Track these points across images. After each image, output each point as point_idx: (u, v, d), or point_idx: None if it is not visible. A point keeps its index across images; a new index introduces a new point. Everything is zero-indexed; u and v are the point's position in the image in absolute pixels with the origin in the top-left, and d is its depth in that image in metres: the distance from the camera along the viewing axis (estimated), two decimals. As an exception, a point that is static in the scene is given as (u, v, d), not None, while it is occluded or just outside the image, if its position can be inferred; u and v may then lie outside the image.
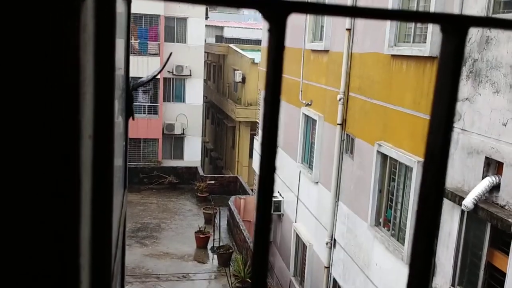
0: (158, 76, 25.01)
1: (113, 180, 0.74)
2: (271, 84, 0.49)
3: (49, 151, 0.45)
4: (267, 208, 0.47)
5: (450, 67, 0.48)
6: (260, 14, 0.49)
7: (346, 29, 10.14)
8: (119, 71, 1.27)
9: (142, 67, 24.55)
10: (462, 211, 6.44)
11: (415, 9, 8.01)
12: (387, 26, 8.50)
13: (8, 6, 0.43)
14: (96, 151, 0.63)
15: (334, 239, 10.83)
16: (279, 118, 0.51)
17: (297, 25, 13.21)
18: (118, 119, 1.27)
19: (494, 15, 6.19)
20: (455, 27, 0.48)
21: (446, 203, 6.82)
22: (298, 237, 13.07)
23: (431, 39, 7.26)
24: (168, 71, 25.73)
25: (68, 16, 0.43)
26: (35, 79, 0.44)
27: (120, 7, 1.12)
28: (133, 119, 1.58)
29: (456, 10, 6.71)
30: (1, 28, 0.43)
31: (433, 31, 7.24)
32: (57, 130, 0.45)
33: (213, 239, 17.14)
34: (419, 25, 7.97)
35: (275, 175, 0.47)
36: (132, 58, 27.12)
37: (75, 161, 0.47)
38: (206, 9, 27.06)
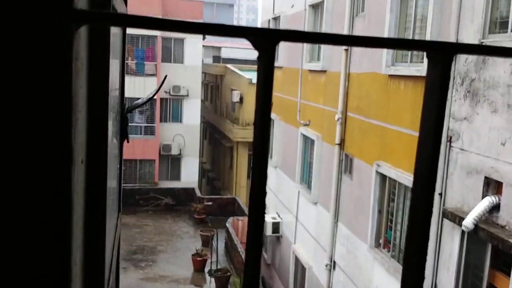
0: (155, 97, 25.10)
1: (106, 204, 0.74)
2: (261, 108, 0.50)
3: (41, 176, 0.46)
4: (259, 231, 0.47)
5: (436, 93, 0.49)
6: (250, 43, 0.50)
7: (344, 49, 10.24)
8: (114, 93, 1.28)
9: (139, 87, 24.66)
10: (463, 232, 6.40)
11: (412, 29, 8.11)
12: (383, 47, 8.59)
13: (2, 32, 0.44)
14: (89, 175, 0.63)
15: (334, 261, 10.73)
16: (269, 140, 0.52)
17: (295, 45, 13.34)
18: (113, 142, 1.27)
19: (490, 35, 6.26)
20: (440, 54, 0.49)
21: (446, 224, 6.79)
22: (297, 259, 12.95)
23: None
24: (165, 91, 25.83)
25: (61, 45, 0.44)
26: (27, 104, 0.45)
27: (115, 34, 1.13)
28: (127, 141, 1.59)
29: (452, 31, 6.80)
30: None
31: (428, 52, 7.32)
32: (49, 155, 0.46)
33: (211, 262, 16.95)
34: (414, 46, 8.05)
35: (265, 199, 0.48)
36: (129, 79, 27.39)
37: (66, 186, 0.47)
38: (204, 31, 27.30)
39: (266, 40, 0.46)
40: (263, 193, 0.50)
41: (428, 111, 0.51)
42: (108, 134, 0.91)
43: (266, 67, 0.48)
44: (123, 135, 1.50)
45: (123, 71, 1.63)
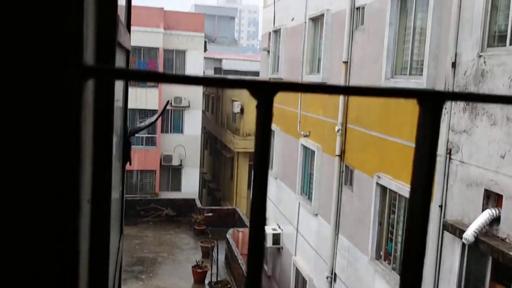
0: (157, 108, 25.16)
1: (109, 243, 0.76)
2: (259, 156, 0.52)
3: (47, 218, 0.48)
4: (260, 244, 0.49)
5: (427, 140, 0.51)
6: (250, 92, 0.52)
7: (343, 61, 10.31)
8: (118, 118, 1.30)
9: (141, 98, 24.75)
10: (463, 244, 6.39)
11: (411, 42, 8.16)
12: (384, 59, 8.65)
13: (15, 82, 0.46)
14: (94, 212, 0.65)
15: (335, 273, 10.69)
16: (267, 185, 0.54)
17: (295, 57, 13.43)
18: (115, 166, 1.30)
19: (489, 48, 6.31)
20: (431, 102, 0.51)
21: (447, 236, 6.79)
22: (297, 271, 12.90)
23: (428, 72, 7.37)
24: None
25: (70, 98, 0.46)
26: (37, 154, 0.47)
27: (119, 60, 1.16)
28: (130, 164, 1.61)
29: (451, 44, 6.84)
30: (7, 101, 0.47)
31: (429, 64, 7.37)
32: (57, 198, 0.48)
33: (211, 274, 16.88)
34: (415, 57, 8.11)
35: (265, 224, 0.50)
36: (130, 90, 27.22)
37: (73, 229, 0.49)
38: (205, 41, 27.50)
39: (264, 91, 0.49)
40: (263, 217, 0.52)
41: (420, 155, 0.53)
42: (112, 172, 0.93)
43: (264, 115, 0.50)
44: (126, 158, 1.52)
45: (127, 92, 1.65)
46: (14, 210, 0.47)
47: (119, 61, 1.25)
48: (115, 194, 1.28)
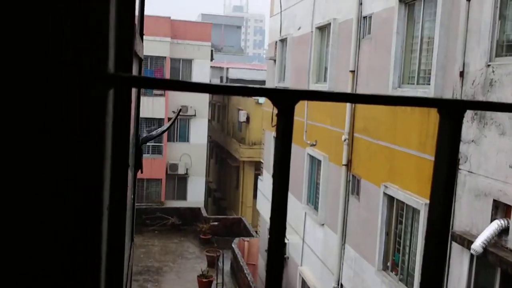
0: (163, 116, 25.24)
1: (124, 249, 0.77)
2: (280, 161, 0.52)
3: (73, 224, 0.48)
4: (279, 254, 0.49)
5: (447, 148, 0.51)
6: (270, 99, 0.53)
7: (350, 71, 10.31)
8: (131, 128, 1.31)
9: (148, 107, 24.84)
10: (471, 255, 6.33)
11: (418, 51, 8.16)
12: (391, 68, 8.65)
13: (43, 91, 0.47)
14: (111, 219, 0.65)
15: (341, 284, 10.61)
16: (287, 191, 0.54)
17: (301, 66, 13.45)
18: (129, 174, 1.30)
19: (497, 58, 6.29)
20: (451, 112, 0.51)
21: (455, 247, 6.73)
22: (304, 282, 12.81)
23: (435, 81, 7.35)
24: (173, 111, 26.01)
25: (96, 106, 0.47)
26: (63, 160, 0.47)
27: (133, 69, 1.17)
28: (141, 172, 1.61)
29: (459, 53, 6.83)
30: (36, 109, 0.47)
31: (436, 73, 7.35)
32: (81, 207, 0.48)
33: (216, 283, 16.81)
34: (422, 67, 8.10)
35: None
36: (138, 99, 27.06)
37: (98, 233, 0.49)
38: (212, 50, 27.63)
39: (286, 99, 0.49)
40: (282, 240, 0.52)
41: (440, 164, 0.53)
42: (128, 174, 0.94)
43: (285, 124, 0.50)
44: (137, 166, 1.53)
45: (139, 101, 1.67)
46: (44, 216, 0.48)
47: (134, 70, 1.26)
48: (128, 202, 1.29)
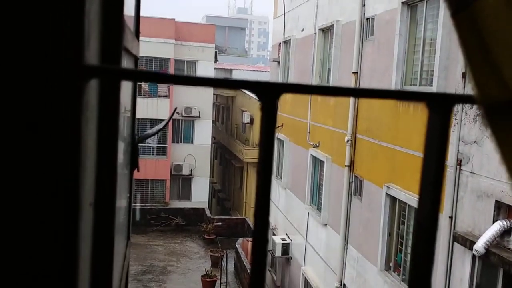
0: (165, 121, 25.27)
1: (113, 245, 0.76)
2: (263, 157, 0.51)
3: (47, 219, 0.47)
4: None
5: (436, 143, 0.50)
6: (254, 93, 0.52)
7: (353, 72, 10.29)
8: (126, 125, 1.31)
9: (152, 109, 24.91)
10: (474, 256, 6.30)
11: (421, 53, 8.13)
12: (394, 69, 8.63)
13: (14, 82, 0.46)
14: (98, 215, 0.65)
15: (344, 284, 10.59)
16: (270, 187, 0.53)
17: (305, 67, 13.44)
18: (123, 172, 1.30)
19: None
20: (440, 106, 0.50)
21: (457, 248, 6.70)
22: (306, 281, 12.79)
23: (438, 82, 7.33)
24: (177, 113, 26.04)
25: (70, 99, 0.46)
26: (36, 155, 0.47)
27: (128, 67, 1.16)
28: (138, 171, 1.61)
29: (461, 54, 6.81)
30: (6, 102, 0.47)
31: (439, 75, 7.33)
32: (56, 199, 0.47)
33: (220, 283, 16.82)
34: (425, 68, 8.08)
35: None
36: (142, 100, 27.40)
37: (73, 228, 0.48)
38: (216, 52, 27.65)
39: (269, 92, 0.48)
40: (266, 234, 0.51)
41: (428, 160, 0.52)
42: (118, 167, 0.93)
43: (268, 117, 0.49)
44: (134, 164, 1.52)
45: (135, 98, 1.66)
46: (13, 210, 0.47)
47: (128, 67, 1.25)
48: (122, 201, 1.28)
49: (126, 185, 1.40)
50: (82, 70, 0.45)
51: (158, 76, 0.46)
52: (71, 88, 0.46)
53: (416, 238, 0.55)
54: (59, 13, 0.45)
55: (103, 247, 0.70)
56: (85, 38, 0.47)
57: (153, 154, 25.96)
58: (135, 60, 1.44)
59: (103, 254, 0.70)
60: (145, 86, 25.47)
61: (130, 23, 1.22)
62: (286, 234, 14.62)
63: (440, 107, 0.51)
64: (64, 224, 0.48)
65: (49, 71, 0.45)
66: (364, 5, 10.00)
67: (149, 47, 24.36)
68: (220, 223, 22.64)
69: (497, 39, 0.47)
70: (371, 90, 0.48)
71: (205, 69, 26.62)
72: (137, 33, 1.51)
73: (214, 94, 28.74)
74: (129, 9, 1.20)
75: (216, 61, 27.97)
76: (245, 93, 27.44)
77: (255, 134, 25.56)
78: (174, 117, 25.92)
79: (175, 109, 3.50)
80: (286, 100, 15.22)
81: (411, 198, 7.93)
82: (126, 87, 1.24)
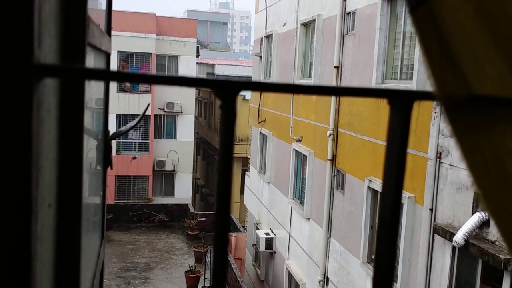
0: (149, 114, 25.12)
1: (80, 245, 0.74)
2: (223, 155, 0.51)
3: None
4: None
5: (397, 139, 0.50)
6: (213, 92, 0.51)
7: (334, 66, 10.33)
8: (97, 121, 1.28)
9: (133, 104, 24.68)
10: (453, 247, 6.41)
11: (401, 47, 8.20)
12: (374, 63, 8.68)
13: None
14: (61, 215, 0.63)
15: (327, 277, 10.68)
16: (231, 183, 0.53)
17: (287, 62, 13.46)
18: (95, 170, 1.28)
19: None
20: (401, 102, 0.50)
21: (437, 239, 6.80)
22: (290, 275, 12.87)
23: (418, 76, 7.40)
24: (159, 108, 25.88)
25: (19, 99, 0.45)
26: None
27: (99, 64, 1.14)
28: (111, 168, 1.59)
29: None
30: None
31: (419, 69, 7.40)
32: (7, 208, 0.46)
33: (204, 279, 16.82)
34: (405, 62, 8.15)
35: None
36: (123, 95, 27.10)
37: (26, 231, 0.47)
38: (197, 47, 27.50)
39: (227, 90, 0.47)
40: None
41: (390, 155, 0.52)
42: (87, 163, 0.92)
43: (228, 114, 0.49)
44: (107, 162, 1.50)
45: (108, 94, 1.63)
46: None
47: (98, 63, 1.23)
48: (94, 199, 1.26)
49: (99, 182, 1.38)
50: (31, 69, 0.44)
51: (114, 75, 0.45)
52: (19, 88, 0.44)
53: (379, 234, 0.55)
54: (4, 10, 0.44)
55: (69, 247, 0.69)
56: (34, 36, 0.45)
57: (135, 150, 25.77)
58: (106, 57, 1.41)
59: (68, 255, 0.69)
60: (126, 81, 25.22)
61: (100, 19, 1.20)
62: (270, 229, 14.67)
63: (401, 104, 0.52)
64: (14, 226, 0.46)
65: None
66: (345, 0, 10.04)
67: (130, 42, 24.10)
68: (203, 219, 22.61)
69: (457, 35, 0.47)
70: (332, 88, 0.48)
71: (187, 64, 26.46)
72: (108, 29, 1.49)
73: (196, 89, 28.61)
74: (98, 4, 1.17)
75: (198, 56, 27.83)
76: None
77: (238, 129, 25.51)
78: (156, 112, 25.74)
79: (148, 105, 3.47)
80: (269, 95, 15.22)
81: (392, 191, 8.00)
82: (97, 84, 1.22)
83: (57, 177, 0.63)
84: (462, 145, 0.50)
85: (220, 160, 0.49)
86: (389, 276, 0.51)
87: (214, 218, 0.51)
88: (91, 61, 0.95)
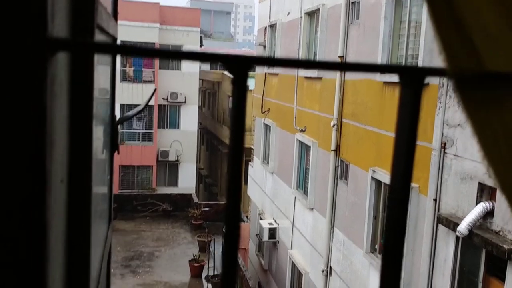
0: (153, 104, 25.13)
1: (90, 220, 0.75)
2: (235, 130, 0.51)
3: (13, 201, 0.47)
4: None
5: (408, 116, 0.50)
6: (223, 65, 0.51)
7: (339, 56, 10.28)
8: (104, 105, 1.29)
9: (137, 94, 24.69)
10: (457, 237, 6.41)
11: (406, 36, 8.15)
12: (379, 52, 8.64)
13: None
14: (72, 192, 0.64)
15: (330, 267, 10.72)
16: (243, 159, 0.53)
17: (291, 51, 13.40)
18: (103, 153, 1.28)
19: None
20: (411, 79, 0.50)
21: (441, 229, 6.81)
22: (293, 265, 12.93)
23: (423, 65, 7.35)
24: (162, 98, 25.87)
25: (34, 73, 0.45)
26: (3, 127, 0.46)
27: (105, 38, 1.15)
28: (118, 153, 1.60)
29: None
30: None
31: (424, 58, 7.36)
32: (22, 181, 0.46)
33: (208, 268, 16.92)
34: (410, 51, 8.10)
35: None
36: (127, 85, 27.06)
37: (41, 206, 0.48)
38: (201, 37, 27.41)
39: (239, 66, 0.48)
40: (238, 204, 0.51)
41: (401, 133, 0.52)
42: (95, 146, 0.92)
43: (240, 89, 0.49)
44: (114, 146, 1.51)
45: (114, 81, 1.64)
46: None
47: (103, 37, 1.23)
48: (102, 182, 1.27)
49: (107, 166, 1.39)
50: (45, 42, 0.44)
51: (126, 49, 0.45)
52: (35, 61, 0.44)
53: (388, 220, 0.55)
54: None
55: (79, 223, 0.70)
56: (48, 10, 0.46)
57: (139, 140, 25.82)
58: (113, 41, 1.41)
59: (79, 230, 0.70)
60: (130, 71, 25.21)
61: (107, 4, 1.20)
62: (273, 219, 14.71)
63: (412, 80, 0.52)
64: (29, 197, 0.47)
65: (10, 43, 0.43)
66: (349, -11, 9.97)
67: (133, 31, 24.04)
68: (207, 209, 22.70)
69: (469, 10, 0.47)
70: (344, 64, 0.48)
71: (190, 54, 26.36)
72: (114, 14, 1.49)
73: (200, 79, 28.56)
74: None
75: (201, 45, 27.76)
76: (231, 78, 27.26)
77: (241, 119, 25.47)
78: (160, 102, 25.75)
79: (155, 90, 3.48)
80: (272, 85, 15.18)
81: (396, 181, 8.00)
82: (104, 70, 1.22)
83: (69, 153, 0.64)
84: (473, 121, 0.50)
85: (232, 134, 0.49)
86: (398, 268, 0.51)
87: (226, 193, 0.51)
88: (101, 37, 0.95)
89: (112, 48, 0.44)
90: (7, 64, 0.44)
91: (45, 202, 0.47)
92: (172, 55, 0.48)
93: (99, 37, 0.88)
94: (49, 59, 0.46)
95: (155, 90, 3.53)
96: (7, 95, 0.45)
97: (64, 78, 0.59)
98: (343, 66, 0.50)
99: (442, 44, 0.48)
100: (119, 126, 1.62)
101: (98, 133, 1.15)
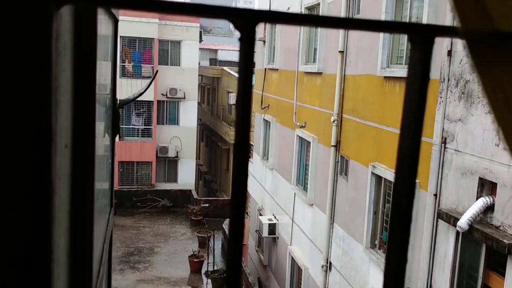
0: (152, 99, 25.09)
1: (94, 189, 0.74)
2: (242, 90, 0.50)
3: (19, 158, 0.46)
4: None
5: (418, 76, 0.50)
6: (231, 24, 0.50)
7: (339, 51, 10.26)
8: (105, 90, 1.28)
9: (136, 89, 24.57)
10: (457, 232, 6.41)
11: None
12: (380, 48, 8.62)
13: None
14: (75, 160, 0.63)
15: (330, 262, 10.73)
16: (250, 125, 0.52)
17: (291, 47, 13.37)
18: (104, 135, 1.27)
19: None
20: (421, 37, 0.49)
21: (441, 224, 6.81)
22: (293, 261, 12.94)
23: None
24: (162, 94, 25.83)
25: (39, 25, 0.44)
26: (2, 85, 0.45)
27: (107, 29, 1.13)
28: (119, 137, 1.59)
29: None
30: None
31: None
32: (28, 137, 0.46)
33: (207, 263, 16.94)
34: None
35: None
36: (126, 81, 27.06)
37: (47, 168, 0.47)
38: (200, 32, 27.35)
39: (246, 21, 0.46)
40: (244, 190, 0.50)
41: (411, 93, 0.51)
42: (98, 125, 0.91)
43: (247, 46, 0.48)
44: (115, 129, 1.50)
45: (115, 67, 1.63)
46: None
47: (107, 28, 1.22)
48: (104, 164, 1.26)
49: (108, 148, 1.38)
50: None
51: (133, 1, 0.44)
52: (40, 13, 0.44)
53: (396, 173, 0.54)
54: None
55: (82, 188, 0.69)
56: None
57: (138, 136, 25.81)
58: (115, 22, 1.40)
59: (83, 193, 0.69)
60: (129, 67, 25.16)
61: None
62: (273, 215, 14.71)
63: (422, 38, 0.51)
64: (34, 156, 0.46)
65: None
66: (350, -16, 9.94)
67: (132, 27, 23.98)
68: (207, 205, 22.72)
69: None
70: (353, 20, 0.47)
71: (189, 49, 26.36)
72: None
73: (199, 75, 28.51)
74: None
75: (201, 41, 27.69)
76: (230, 73, 27.27)
77: (241, 115, 25.43)
78: (159, 98, 25.71)
79: (157, 71, 3.46)
80: (272, 81, 15.16)
81: (396, 176, 8.00)
82: (105, 65, 1.21)
83: (72, 117, 0.63)
84: (484, 82, 0.49)
85: (238, 94, 0.48)
86: (402, 266, 0.50)
87: (233, 163, 0.50)
88: (102, 24, 0.94)
89: (115, 1, 0.43)
90: (12, 17, 0.43)
91: (51, 162, 0.46)
92: (176, 8, 0.47)
93: (103, 17, 0.87)
94: (54, 12, 0.45)
95: (157, 71, 3.51)
96: (13, 47, 0.44)
97: (68, 41, 0.58)
98: (353, 23, 0.49)
99: (455, 4, 0.48)
100: (120, 111, 1.62)
101: (101, 116, 1.14)
